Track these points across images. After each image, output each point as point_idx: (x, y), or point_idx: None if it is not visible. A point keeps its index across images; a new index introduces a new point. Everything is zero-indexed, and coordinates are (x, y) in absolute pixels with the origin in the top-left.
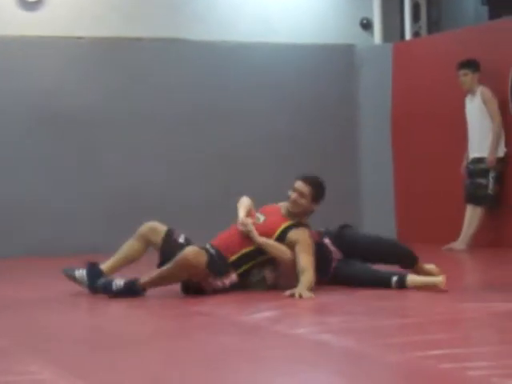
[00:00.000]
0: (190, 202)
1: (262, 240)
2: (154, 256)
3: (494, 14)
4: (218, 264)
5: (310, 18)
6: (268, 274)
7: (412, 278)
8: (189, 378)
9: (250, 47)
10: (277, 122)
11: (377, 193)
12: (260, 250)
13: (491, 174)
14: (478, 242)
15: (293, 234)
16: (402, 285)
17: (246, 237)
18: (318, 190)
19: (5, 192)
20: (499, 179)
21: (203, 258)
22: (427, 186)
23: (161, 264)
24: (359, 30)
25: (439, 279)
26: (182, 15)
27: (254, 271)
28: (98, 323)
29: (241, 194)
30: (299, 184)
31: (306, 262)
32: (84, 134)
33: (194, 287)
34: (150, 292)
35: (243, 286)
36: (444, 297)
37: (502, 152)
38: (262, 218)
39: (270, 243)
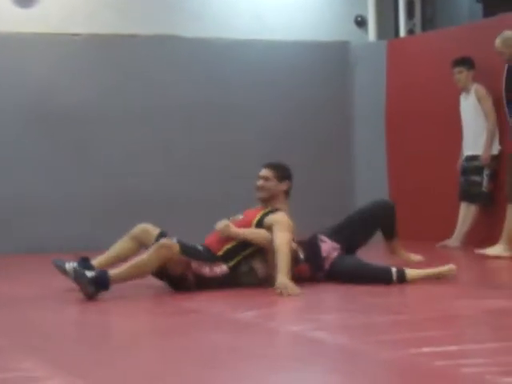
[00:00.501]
0: (187, 199)
1: (238, 231)
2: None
3: (488, 12)
4: (200, 252)
5: (305, 15)
6: (257, 264)
7: (411, 272)
8: (183, 376)
9: (245, 44)
10: (271, 119)
11: (371, 190)
12: (243, 244)
13: (485, 172)
14: (472, 240)
15: (269, 219)
16: (402, 278)
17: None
18: (280, 169)
19: None
20: (493, 177)
21: (177, 246)
22: (421, 183)
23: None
24: (353, 27)
25: (446, 269)
26: (177, 12)
27: (243, 263)
28: (92, 321)
29: (236, 192)
30: (262, 171)
31: (279, 239)
32: (78, 131)
33: (177, 279)
34: (143, 289)
35: (234, 279)
36: (438, 294)
37: (496, 150)
38: (241, 216)
39: (247, 231)
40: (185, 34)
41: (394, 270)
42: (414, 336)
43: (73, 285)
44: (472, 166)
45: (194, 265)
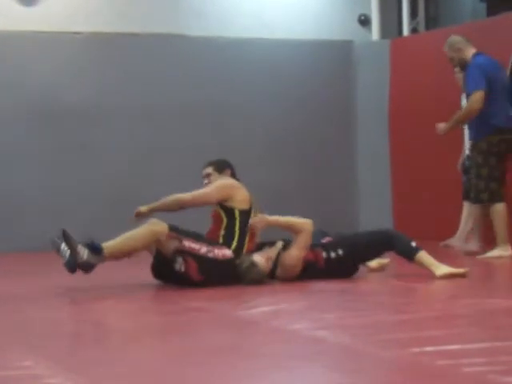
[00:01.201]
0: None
1: (277, 218)
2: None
3: (491, 11)
4: (191, 232)
5: (308, 14)
6: (257, 257)
7: (423, 256)
8: (185, 375)
9: (248, 43)
10: (274, 118)
11: (374, 189)
12: (232, 224)
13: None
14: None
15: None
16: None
17: (217, 219)
18: (217, 162)
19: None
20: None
21: (165, 224)
22: (425, 182)
23: (155, 261)
24: (357, 26)
25: (461, 271)
26: (179, 10)
27: (243, 257)
28: (93, 319)
29: None
30: (203, 171)
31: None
32: (80, 130)
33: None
34: (144, 288)
35: (236, 273)
36: (440, 293)
37: None
38: None
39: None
40: (187, 32)
41: (413, 243)
42: (415, 335)
43: (72, 282)
44: None
45: (188, 243)
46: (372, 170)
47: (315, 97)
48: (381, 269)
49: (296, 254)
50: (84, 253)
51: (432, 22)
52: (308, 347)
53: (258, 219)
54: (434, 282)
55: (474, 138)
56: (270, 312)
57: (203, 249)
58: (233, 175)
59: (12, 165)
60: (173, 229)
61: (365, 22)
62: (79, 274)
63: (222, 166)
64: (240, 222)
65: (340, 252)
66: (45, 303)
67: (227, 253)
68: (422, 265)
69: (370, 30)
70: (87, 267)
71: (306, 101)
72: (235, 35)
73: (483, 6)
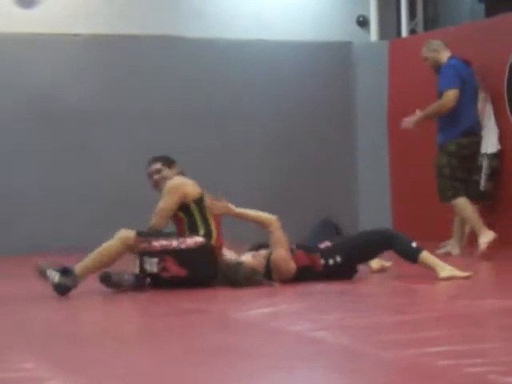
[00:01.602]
0: None
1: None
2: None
3: (490, 12)
4: (160, 232)
5: (307, 15)
6: (243, 257)
7: (427, 256)
8: (185, 375)
9: (247, 44)
10: (273, 119)
11: (374, 189)
12: (189, 213)
13: (484, 171)
14: (473, 239)
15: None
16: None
17: (178, 220)
18: (164, 158)
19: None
20: (492, 176)
21: (133, 231)
22: (424, 182)
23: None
24: (356, 27)
25: (465, 275)
26: (179, 12)
27: (228, 262)
28: (92, 320)
29: (236, 192)
30: (150, 167)
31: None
32: (79, 131)
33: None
34: (142, 288)
35: (229, 283)
36: (441, 294)
37: (495, 148)
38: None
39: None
40: (186, 34)
41: (414, 243)
42: (416, 336)
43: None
44: None
45: (157, 243)
46: (371, 169)
47: (314, 97)
48: (382, 270)
49: (281, 251)
50: (55, 276)
51: (430, 22)
52: (307, 348)
53: (218, 204)
54: (435, 283)
55: (444, 139)
56: (269, 313)
57: (174, 242)
58: (181, 172)
59: (12, 165)
60: (140, 234)
61: (363, 23)
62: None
63: (170, 161)
64: (198, 212)
65: (338, 259)
66: (44, 305)
67: (198, 239)
68: (426, 265)
69: (368, 30)
70: (61, 289)
71: (305, 101)
72: (234, 37)
73: (481, 7)
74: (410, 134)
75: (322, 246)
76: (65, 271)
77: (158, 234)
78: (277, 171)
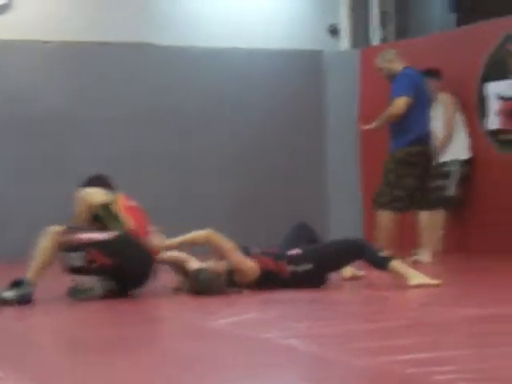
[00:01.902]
0: (168, 205)
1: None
2: None
3: (461, 22)
4: (86, 227)
5: (278, 23)
6: (210, 264)
7: (397, 264)
8: None
9: (218, 52)
10: (243, 128)
11: (344, 198)
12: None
13: (454, 177)
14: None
15: None
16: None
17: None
18: (85, 182)
19: None
20: (463, 182)
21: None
22: None
23: None
24: (327, 36)
25: (434, 283)
26: (150, 20)
27: (191, 271)
28: (63, 328)
29: (204, 199)
30: (77, 196)
31: None
32: (48, 138)
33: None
34: (111, 296)
35: (194, 291)
36: (411, 301)
37: (466, 155)
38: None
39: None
40: (158, 41)
41: (383, 252)
42: (386, 344)
43: (41, 293)
44: (441, 172)
45: (84, 236)
46: (342, 178)
47: (285, 106)
48: (354, 279)
49: (235, 257)
50: (12, 293)
51: (402, 32)
52: (278, 356)
53: (162, 244)
54: (406, 291)
55: (395, 146)
56: (240, 321)
57: (97, 235)
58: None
59: None
60: (68, 228)
61: (334, 31)
62: (52, 281)
63: (89, 183)
64: (107, 215)
65: (308, 267)
66: (13, 312)
67: (112, 234)
68: (396, 273)
69: (339, 39)
70: (24, 299)
71: (275, 109)
72: (206, 45)
73: (453, 17)
74: (380, 143)
75: (291, 252)
76: (17, 283)
77: (83, 228)
78: (246, 179)
